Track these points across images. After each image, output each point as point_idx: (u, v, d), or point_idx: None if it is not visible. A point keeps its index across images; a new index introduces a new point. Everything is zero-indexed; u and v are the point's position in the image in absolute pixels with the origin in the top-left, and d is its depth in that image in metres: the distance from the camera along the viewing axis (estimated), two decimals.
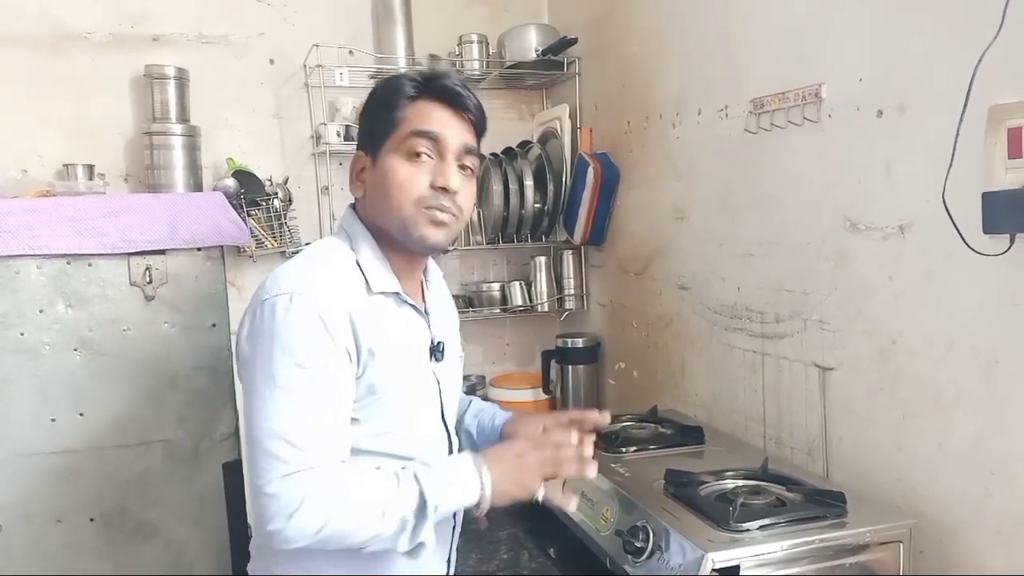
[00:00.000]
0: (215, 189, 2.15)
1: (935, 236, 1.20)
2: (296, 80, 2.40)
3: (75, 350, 1.92)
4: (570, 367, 2.39)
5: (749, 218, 1.67)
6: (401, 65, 2.36)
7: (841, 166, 1.40)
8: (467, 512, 1.17)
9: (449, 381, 1.27)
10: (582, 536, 1.43)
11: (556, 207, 2.40)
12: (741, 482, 1.38)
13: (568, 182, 2.36)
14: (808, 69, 1.46)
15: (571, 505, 1.16)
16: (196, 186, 2.19)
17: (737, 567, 1.11)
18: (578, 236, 2.34)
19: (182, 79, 2.18)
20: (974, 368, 1.17)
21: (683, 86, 1.90)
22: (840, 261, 1.42)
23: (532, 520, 1.64)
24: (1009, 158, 1.06)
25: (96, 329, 1.93)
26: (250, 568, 1.20)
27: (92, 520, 1.94)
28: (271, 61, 2.39)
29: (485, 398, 2.47)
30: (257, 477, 1.01)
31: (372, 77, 2.37)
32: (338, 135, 2.30)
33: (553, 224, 2.46)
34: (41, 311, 1.89)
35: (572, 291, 2.52)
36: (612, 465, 1.50)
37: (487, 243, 2.53)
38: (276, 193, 2.25)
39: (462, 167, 1.16)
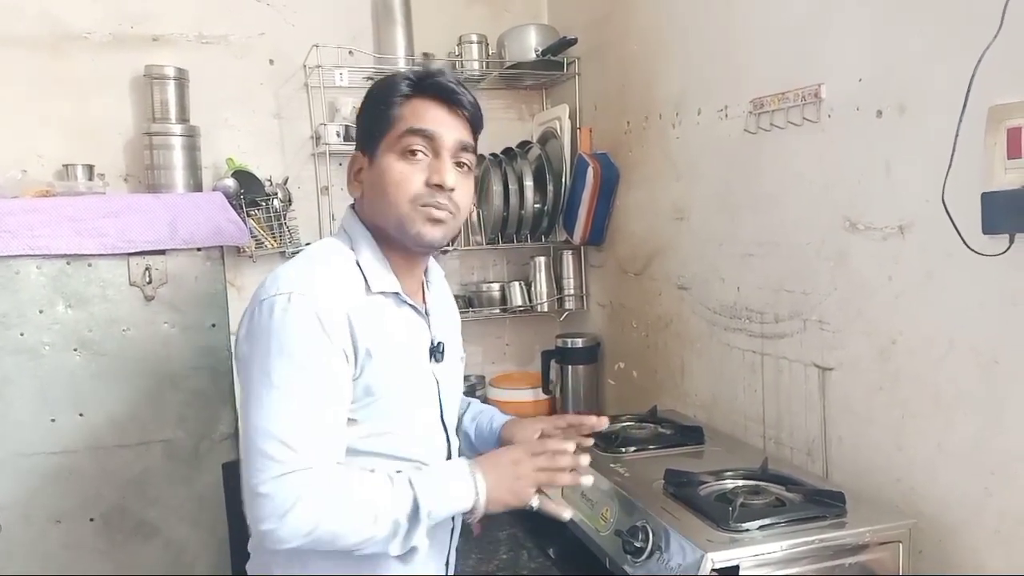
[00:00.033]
0: (215, 189, 2.15)
1: (935, 236, 1.20)
2: (296, 80, 2.40)
3: (75, 350, 1.92)
4: (570, 367, 2.39)
5: (749, 218, 1.67)
6: (401, 65, 2.36)
7: (841, 166, 1.40)
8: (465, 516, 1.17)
9: (449, 382, 1.27)
10: (581, 536, 1.43)
11: (556, 207, 2.40)
12: (741, 482, 1.38)
13: (568, 182, 2.36)
14: (808, 69, 1.46)
15: (565, 514, 1.15)
16: (196, 186, 2.19)
17: (737, 567, 1.11)
18: (578, 236, 2.34)
19: (182, 79, 2.18)
20: (974, 368, 1.17)
21: (683, 86, 1.90)
22: (840, 261, 1.42)
23: (531, 520, 1.64)
24: (1008, 158, 1.06)
25: (96, 329, 1.93)
26: (249, 567, 1.20)
27: (92, 520, 1.94)
28: (271, 61, 2.39)
29: (485, 398, 2.47)
30: (251, 476, 1.01)
31: (371, 77, 2.37)
32: (338, 135, 2.30)
33: (553, 224, 2.46)
34: (41, 311, 1.89)
35: (572, 291, 2.52)
36: (612, 465, 1.50)
37: (487, 243, 2.53)
38: (276, 193, 2.25)
39: (459, 164, 1.16)
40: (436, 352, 1.23)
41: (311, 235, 2.34)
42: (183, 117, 2.19)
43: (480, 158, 2.37)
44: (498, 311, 2.56)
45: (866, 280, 1.36)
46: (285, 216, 2.27)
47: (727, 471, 1.41)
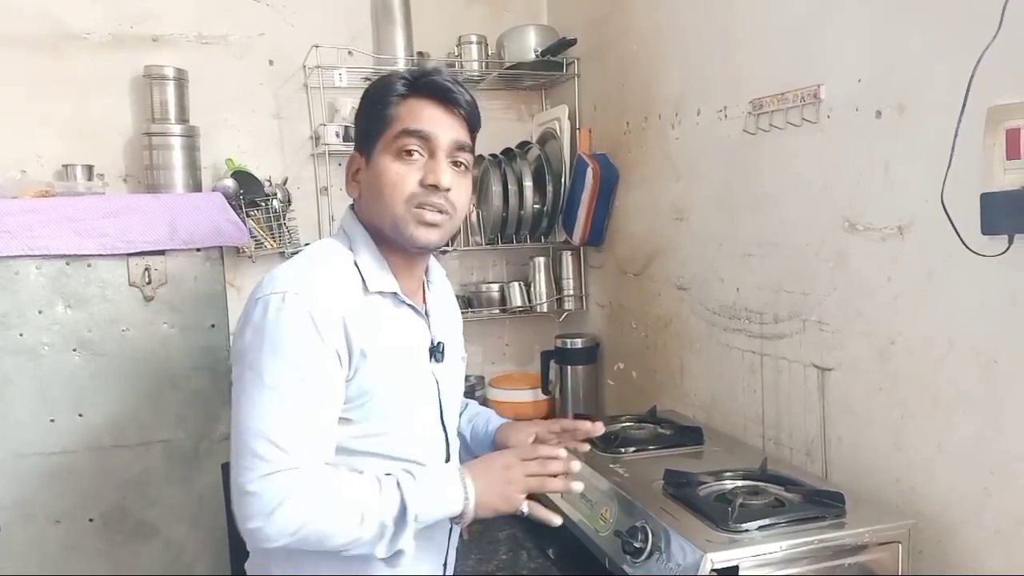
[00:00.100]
0: (214, 189, 2.15)
1: (934, 237, 1.20)
2: (295, 81, 2.40)
3: (74, 350, 1.92)
4: (569, 368, 2.39)
5: (748, 219, 1.67)
6: (400, 66, 2.36)
7: (840, 167, 1.40)
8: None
9: (449, 382, 1.27)
10: (581, 536, 1.43)
11: (555, 208, 2.40)
12: (740, 482, 1.38)
13: (567, 183, 2.36)
14: (807, 70, 1.46)
15: (556, 520, 1.14)
16: (195, 186, 2.18)
17: (736, 567, 1.11)
18: (577, 237, 2.34)
19: (181, 79, 2.18)
20: (973, 368, 1.17)
21: (682, 87, 1.90)
22: (839, 262, 1.42)
23: (530, 520, 1.64)
24: (1008, 159, 1.06)
25: (95, 329, 1.93)
26: (248, 566, 1.20)
27: (91, 520, 1.94)
28: (270, 62, 2.39)
29: (484, 398, 2.47)
30: (239, 475, 1.02)
31: (370, 78, 2.37)
32: (337, 136, 2.30)
33: (552, 225, 2.46)
34: (40, 311, 1.89)
35: (571, 292, 2.52)
36: (611, 465, 1.50)
37: (486, 244, 2.53)
38: (275, 194, 2.25)
39: (455, 163, 1.16)
40: (436, 352, 1.23)
41: (311, 235, 2.34)
42: (183, 117, 2.19)
43: (479, 158, 2.38)
44: (497, 311, 2.56)
45: (865, 280, 1.36)
46: (284, 216, 2.27)
47: (726, 471, 1.41)
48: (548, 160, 2.40)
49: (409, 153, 1.13)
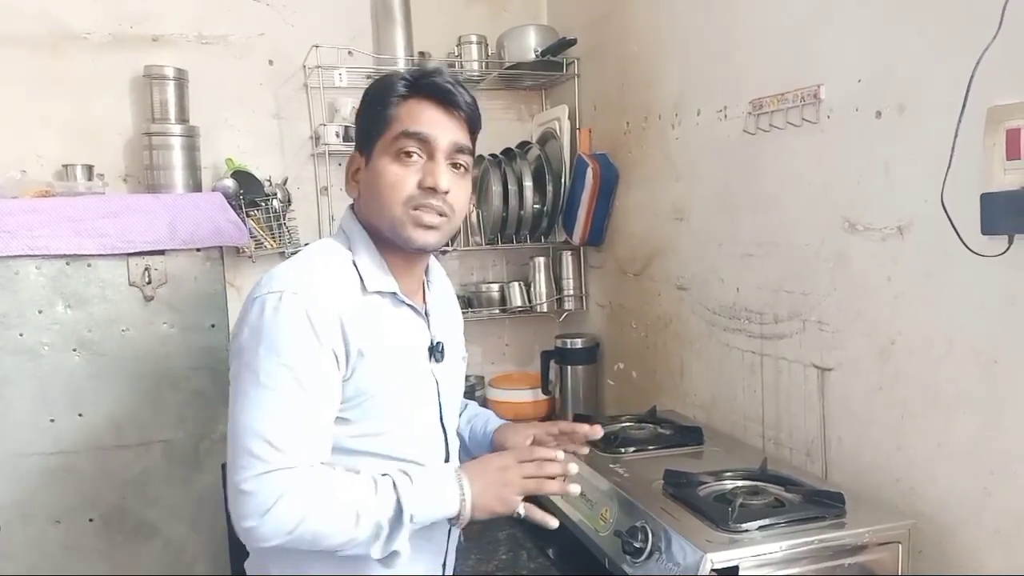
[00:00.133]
0: (214, 189, 2.15)
1: (934, 237, 1.20)
2: (295, 81, 2.40)
3: (74, 350, 1.92)
4: (569, 368, 2.39)
5: (748, 219, 1.67)
6: (400, 66, 2.36)
7: (840, 167, 1.40)
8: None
9: (449, 382, 1.27)
10: (581, 536, 1.43)
11: (555, 208, 2.40)
12: (740, 482, 1.38)
13: (567, 183, 2.36)
14: (807, 70, 1.46)
15: (552, 523, 1.14)
16: (195, 186, 2.18)
17: (736, 568, 1.11)
18: (577, 237, 2.34)
19: (181, 79, 2.18)
20: (973, 368, 1.17)
21: (682, 87, 1.90)
22: (839, 262, 1.42)
23: (528, 522, 1.64)
24: (1008, 159, 1.06)
25: (95, 329, 1.93)
26: (247, 565, 1.20)
27: (91, 520, 1.94)
28: (270, 62, 2.38)
29: (484, 398, 2.47)
30: (235, 474, 1.01)
31: (371, 77, 2.37)
32: (337, 136, 2.30)
33: (552, 225, 2.46)
34: (40, 311, 1.89)
35: (571, 292, 2.52)
36: (611, 465, 1.50)
37: (486, 244, 2.53)
38: (275, 193, 2.25)
39: (454, 165, 1.16)
40: (435, 352, 1.23)
41: (310, 235, 2.34)
42: (183, 117, 2.19)
43: (479, 158, 2.38)
44: (497, 311, 2.56)
45: (865, 281, 1.36)
46: (284, 216, 2.27)
47: (726, 471, 1.41)
48: (548, 160, 2.40)
49: (408, 155, 1.13)
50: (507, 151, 2.49)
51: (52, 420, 1.90)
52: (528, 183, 2.39)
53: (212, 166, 2.30)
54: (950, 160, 1.12)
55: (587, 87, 2.42)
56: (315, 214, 2.39)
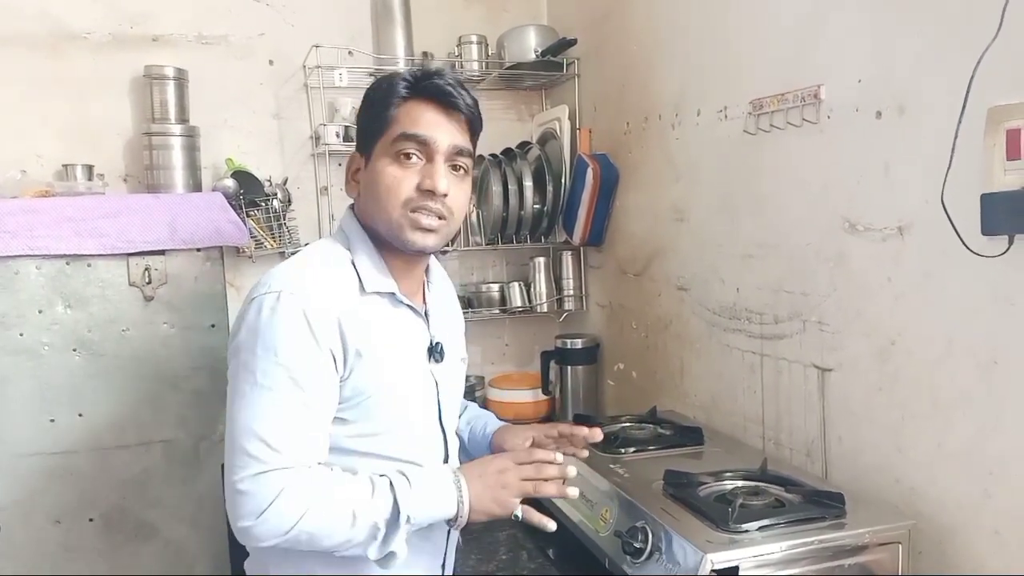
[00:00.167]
0: (214, 189, 2.15)
1: (934, 237, 1.20)
2: (296, 81, 2.40)
3: (74, 350, 1.92)
4: (569, 368, 2.39)
5: (748, 219, 1.67)
6: (400, 66, 2.36)
7: (840, 167, 1.40)
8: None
9: (449, 383, 1.27)
10: (581, 537, 1.43)
11: (555, 208, 2.40)
12: (740, 483, 1.38)
13: (567, 183, 2.36)
14: (807, 70, 1.46)
15: (550, 525, 1.14)
16: (195, 186, 2.19)
17: (736, 568, 1.11)
18: (577, 237, 2.34)
19: (181, 79, 2.18)
20: (973, 369, 1.17)
21: (682, 87, 1.90)
22: (839, 262, 1.42)
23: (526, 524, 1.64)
24: (1008, 159, 1.06)
25: (95, 329, 1.93)
26: (247, 565, 1.20)
27: (91, 520, 1.94)
28: (271, 62, 2.38)
29: (484, 399, 2.47)
30: (231, 473, 1.01)
31: (371, 77, 2.37)
32: (337, 136, 2.30)
33: (552, 225, 2.46)
34: (40, 311, 1.89)
35: (571, 292, 2.52)
36: (611, 466, 1.50)
37: (486, 244, 2.53)
38: (275, 194, 2.25)
39: (454, 167, 1.15)
40: (434, 352, 1.23)
41: (311, 235, 2.34)
42: (183, 117, 2.19)
43: (480, 159, 2.38)
44: (498, 312, 2.56)
45: (865, 281, 1.36)
46: (284, 216, 2.27)
47: (726, 472, 1.41)
48: (548, 160, 2.40)
49: (407, 157, 1.12)
50: (507, 151, 2.49)
51: (52, 420, 1.90)
52: (528, 183, 2.39)
53: (212, 166, 2.30)
54: (950, 160, 1.12)
55: (587, 87, 2.42)
56: (315, 214, 2.39)
